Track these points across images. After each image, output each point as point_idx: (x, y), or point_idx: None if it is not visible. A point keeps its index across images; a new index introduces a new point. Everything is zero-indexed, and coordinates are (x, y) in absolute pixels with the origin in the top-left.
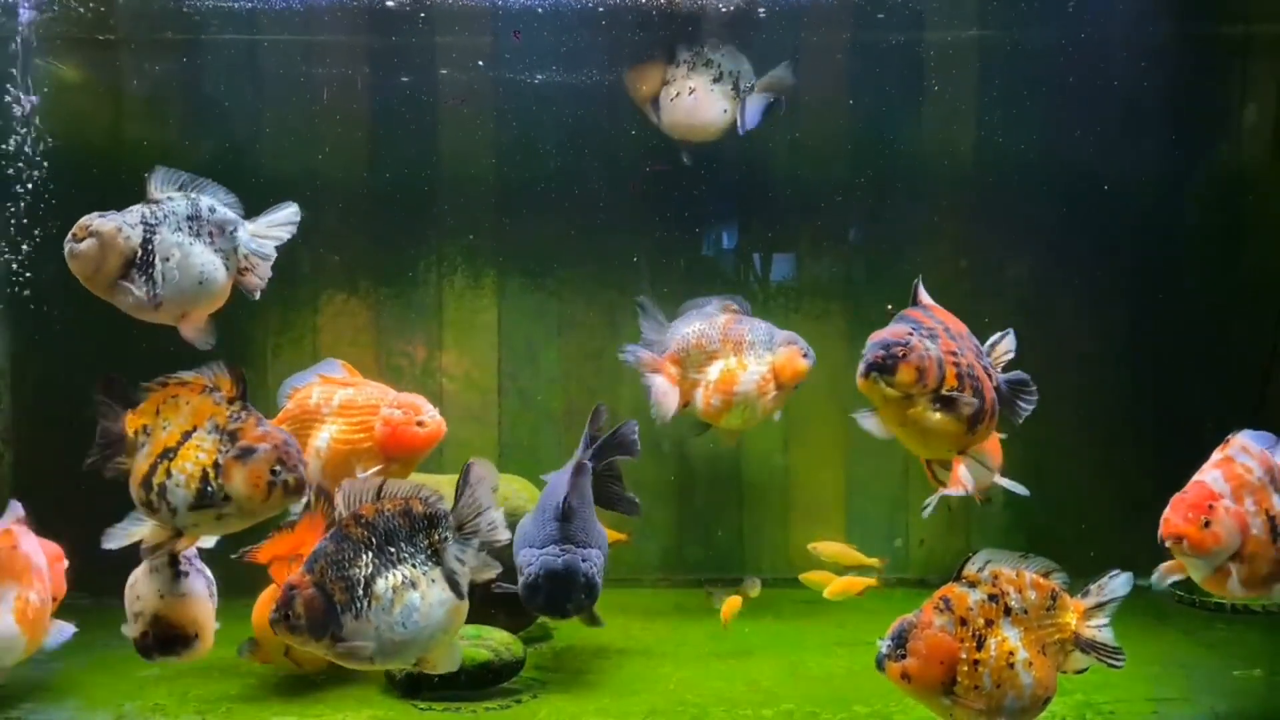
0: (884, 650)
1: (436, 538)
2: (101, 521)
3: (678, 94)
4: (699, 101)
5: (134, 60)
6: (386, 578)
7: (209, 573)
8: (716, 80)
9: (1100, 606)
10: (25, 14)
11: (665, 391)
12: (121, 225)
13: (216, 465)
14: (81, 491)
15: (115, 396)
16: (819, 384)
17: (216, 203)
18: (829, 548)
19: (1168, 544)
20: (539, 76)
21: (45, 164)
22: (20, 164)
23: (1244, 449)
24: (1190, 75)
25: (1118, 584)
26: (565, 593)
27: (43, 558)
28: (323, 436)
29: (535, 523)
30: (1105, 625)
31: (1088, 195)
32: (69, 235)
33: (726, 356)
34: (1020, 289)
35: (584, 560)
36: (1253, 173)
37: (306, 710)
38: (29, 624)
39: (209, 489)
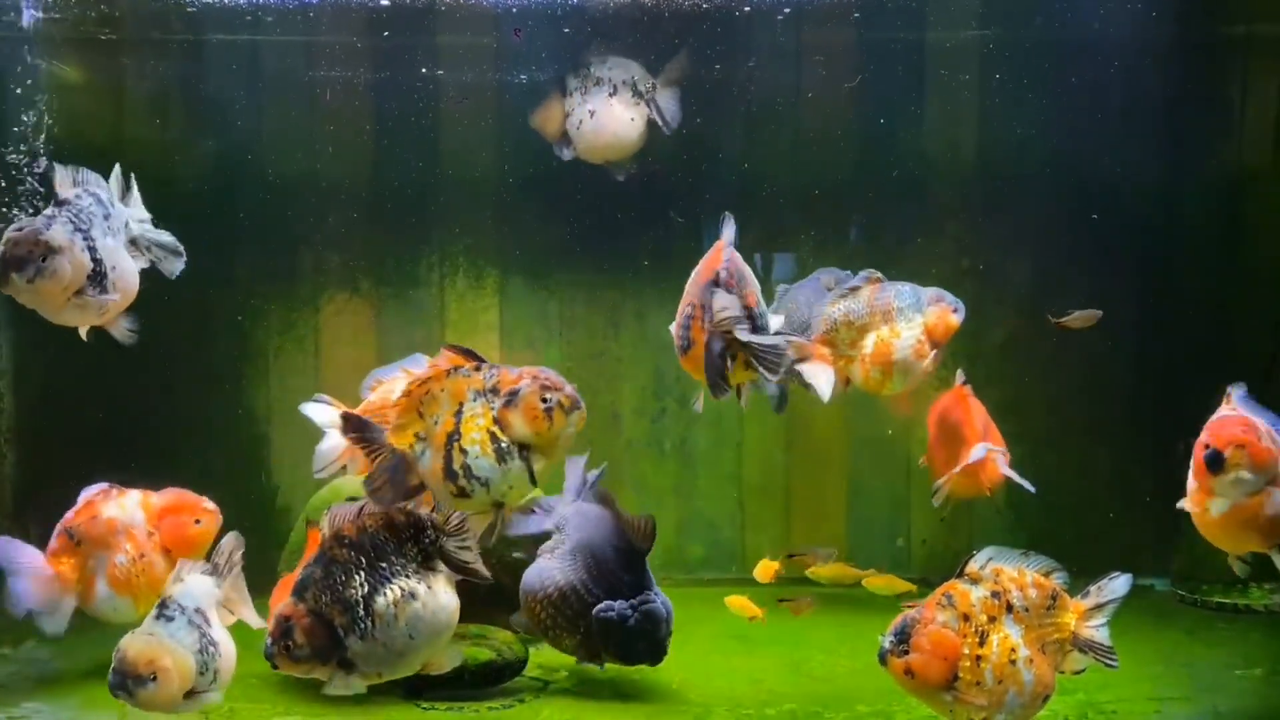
0: (886, 645)
1: (426, 542)
2: None
3: (580, 121)
4: (601, 120)
5: (136, 60)
6: (385, 594)
7: (221, 634)
8: (612, 94)
9: (1099, 608)
10: (28, 14)
11: (821, 374)
12: (71, 236)
13: (496, 423)
14: (80, 491)
15: (361, 428)
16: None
17: (105, 193)
18: (826, 569)
19: (1226, 453)
20: (540, 76)
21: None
22: (21, 161)
23: (1243, 403)
24: (1192, 75)
25: (1117, 585)
26: (668, 635)
27: (137, 515)
28: None
29: (589, 567)
30: (1102, 625)
31: (1090, 195)
32: (12, 255)
33: (878, 327)
34: (1022, 289)
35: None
36: (1254, 172)
37: (309, 711)
38: (121, 584)
39: (501, 446)
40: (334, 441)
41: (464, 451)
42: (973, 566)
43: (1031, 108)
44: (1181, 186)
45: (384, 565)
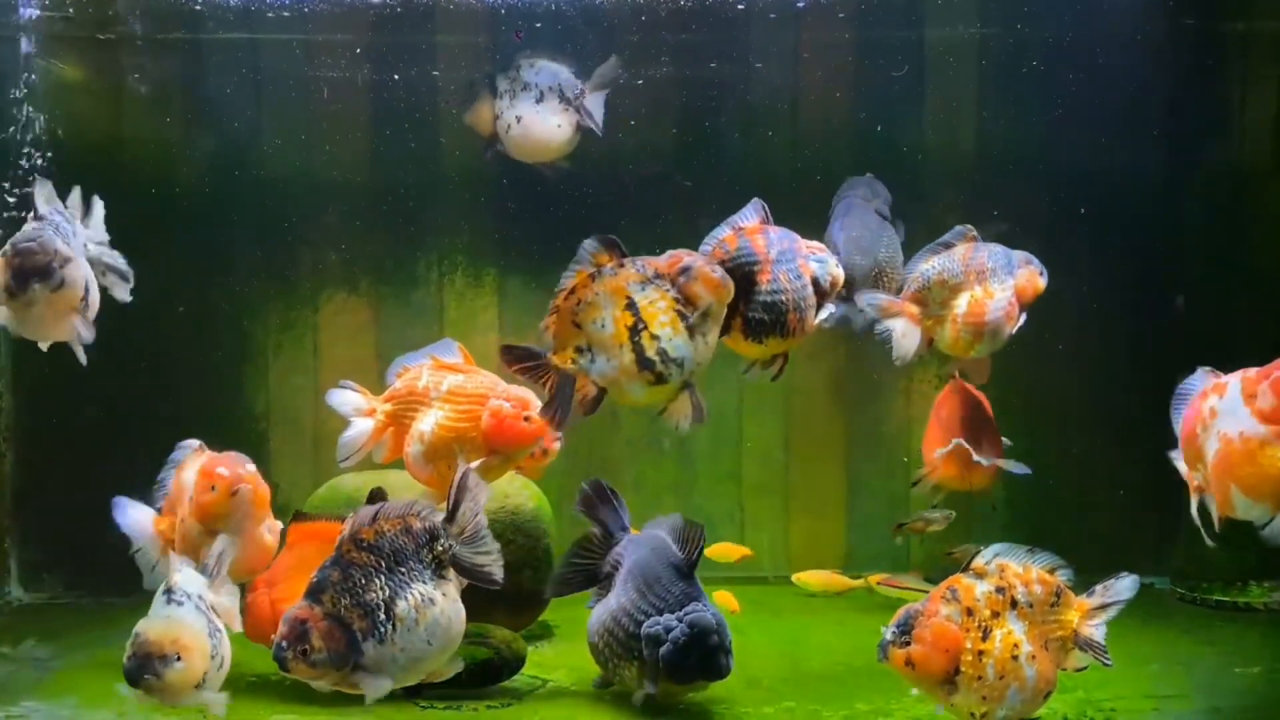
0: (888, 636)
1: (440, 549)
2: (100, 520)
3: (509, 125)
4: (527, 127)
5: (135, 59)
6: (406, 599)
7: (214, 618)
8: (539, 100)
9: (1104, 608)
10: (26, 12)
11: (907, 333)
12: (73, 254)
13: (677, 300)
14: (80, 490)
15: (523, 356)
16: (819, 382)
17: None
18: (815, 576)
19: None
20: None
21: (45, 162)
22: (21, 160)
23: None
24: (1191, 72)
25: (1123, 586)
26: (721, 647)
27: (191, 479)
28: (428, 421)
29: (639, 588)
30: (1100, 625)
31: (1089, 193)
32: (32, 264)
33: (971, 287)
34: None
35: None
36: (1254, 170)
37: (306, 710)
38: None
39: (688, 320)
40: (360, 429)
41: (655, 337)
42: (978, 561)
43: (1030, 106)
44: (1181, 184)
45: (403, 570)
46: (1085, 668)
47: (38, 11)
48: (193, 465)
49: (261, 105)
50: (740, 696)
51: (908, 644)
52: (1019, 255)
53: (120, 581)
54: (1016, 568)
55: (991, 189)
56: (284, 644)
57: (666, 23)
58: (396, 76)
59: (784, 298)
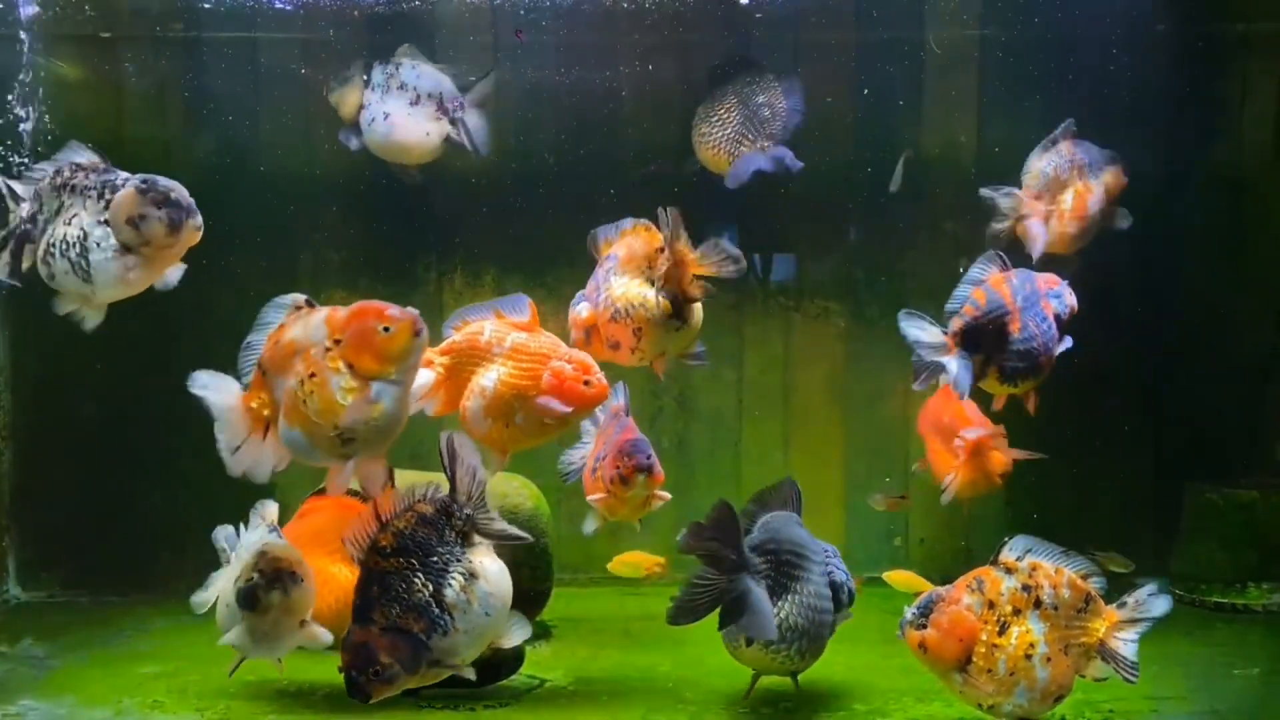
0: (908, 617)
1: (458, 523)
2: (98, 519)
3: (374, 119)
4: (395, 125)
5: (135, 57)
6: (450, 585)
7: None
8: (414, 103)
9: (1133, 622)
10: (26, 10)
11: (1038, 233)
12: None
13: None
14: (78, 489)
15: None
16: (818, 382)
17: None
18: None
19: None
20: (539, 75)
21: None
22: (20, 159)
23: None
24: (1190, 73)
25: (1156, 604)
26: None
27: (318, 331)
28: (490, 376)
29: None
30: (1132, 642)
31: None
32: (186, 202)
33: (1075, 183)
34: None
35: None
36: (1253, 171)
37: (305, 708)
38: (290, 413)
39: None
40: (419, 380)
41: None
42: (1008, 555)
43: (1030, 106)
44: (1180, 184)
45: (434, 559)
46: (1106, 679)
47: (36, 9)
48: (305, 319)
49: (261, 104)
50: (738, 696)
51: (924, 627)
52: (1104, 153)
53: (116, 581)
54: (1049, 569)
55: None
56: (354, 673)
57: (666, 22)
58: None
59: (1036, 344)
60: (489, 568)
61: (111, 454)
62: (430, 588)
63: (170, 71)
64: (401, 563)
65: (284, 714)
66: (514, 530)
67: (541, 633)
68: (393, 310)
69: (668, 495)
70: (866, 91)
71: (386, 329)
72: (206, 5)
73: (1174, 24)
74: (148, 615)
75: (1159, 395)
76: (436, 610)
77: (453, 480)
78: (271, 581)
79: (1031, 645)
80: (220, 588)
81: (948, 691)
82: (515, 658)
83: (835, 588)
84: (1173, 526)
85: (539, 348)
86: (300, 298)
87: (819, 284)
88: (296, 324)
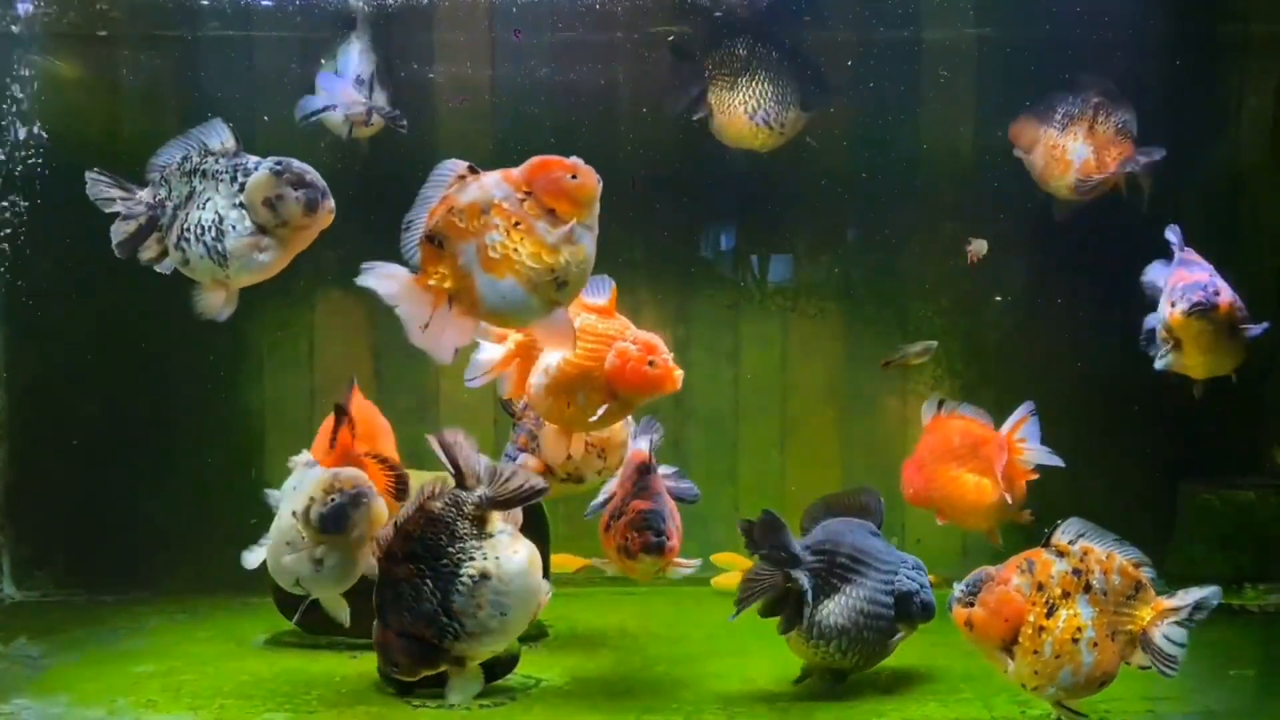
0: (957, 594)
1: (471, 511)
2: (93, 518)
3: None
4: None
5: (131, 55)
6: (458, 591)
7: None
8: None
9: (1177, 611)
10: (22, 8)
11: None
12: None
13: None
14: (73, 488)
15: None
16: (815, 383)
17: None
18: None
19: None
20: (538, 74)
21: (41, 159)
22: (16, 158)
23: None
24: (1188, 73)
25: (1203, 598)
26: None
27: (499, 190)
28: (554, 355)
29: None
30: (1178, 636)
31: None
32: (319, 184)
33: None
34: (1018, 288)
35: None
36: (1251, 172)
37: (300, 707)
38: (500, 265)
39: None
40: (492, 352)
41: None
42: (1060, 538)
43: (1029, 106)
44: (1179, 185)
45: (444, 562)
46: (1150, 667)
47: (33, 7)
48: (476, 183)
49: (257, 103)
50: (735, 696)
51: (971, 605)
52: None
53: (112, 580)
54: (1100, 554)
55: (990, 189)
56: (381, 665)
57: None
58: (395, 74)
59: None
60: (505, 565)
61: (106, 453)
62: (438, 596)
63: (166, 69)
64: (411, 570)
65: (278, 712)
66: (535, 480)
67: (536, 633)
68: (570, 160)
69: (691, 565)
70: (865, 91)
71: (573, 176)
72: (205, 3)
73: (1171, 24)
74: (142, 614)
75: (1158, 395)
76: (445, 619)
77: (455, 471)
78: (355, 499)
79: (1079, 629)
80: (276, 538)
81: (947, 691)
82: (510, 658)
83: (903, 598)
84: (1168, 527)
85: (606, 329)
86: (463, 164)
87: (816, 284)
88: (467, 189)
